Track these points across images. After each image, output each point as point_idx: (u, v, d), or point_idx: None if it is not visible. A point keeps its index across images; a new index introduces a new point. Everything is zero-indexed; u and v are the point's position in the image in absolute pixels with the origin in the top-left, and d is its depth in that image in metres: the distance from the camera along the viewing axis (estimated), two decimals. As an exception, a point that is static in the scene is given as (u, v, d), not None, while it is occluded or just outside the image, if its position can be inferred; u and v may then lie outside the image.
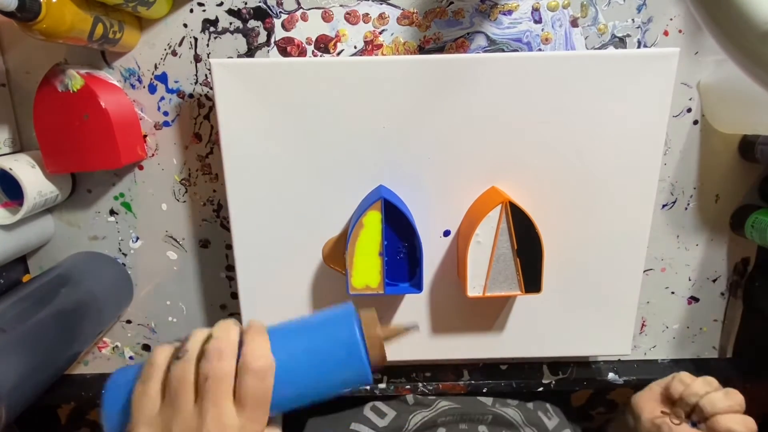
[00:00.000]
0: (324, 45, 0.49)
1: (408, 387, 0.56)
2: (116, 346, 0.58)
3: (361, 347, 0.30)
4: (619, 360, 0.60)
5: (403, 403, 0.55)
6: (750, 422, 0.41)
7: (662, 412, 0.45)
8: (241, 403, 0.28)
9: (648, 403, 0.47)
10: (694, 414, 0.43)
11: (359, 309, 0.33)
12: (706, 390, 0.43)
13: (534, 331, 0.53)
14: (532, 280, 0.45)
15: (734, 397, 0.42)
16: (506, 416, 0.54)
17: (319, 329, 0.31)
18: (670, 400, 0.45)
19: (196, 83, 0.50)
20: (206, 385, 0.27)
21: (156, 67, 0.50)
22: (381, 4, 0.48)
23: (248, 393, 0.28)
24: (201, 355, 0.28)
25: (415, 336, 0.53)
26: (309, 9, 0.48)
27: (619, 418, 0.54)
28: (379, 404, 0.55)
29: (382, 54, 0.50)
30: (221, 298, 0.57)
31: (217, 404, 0.27)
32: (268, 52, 0.50)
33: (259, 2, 0.48)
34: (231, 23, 0.49)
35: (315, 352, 0.30)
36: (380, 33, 0.49)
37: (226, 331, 0.29)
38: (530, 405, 0.56)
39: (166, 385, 0.28)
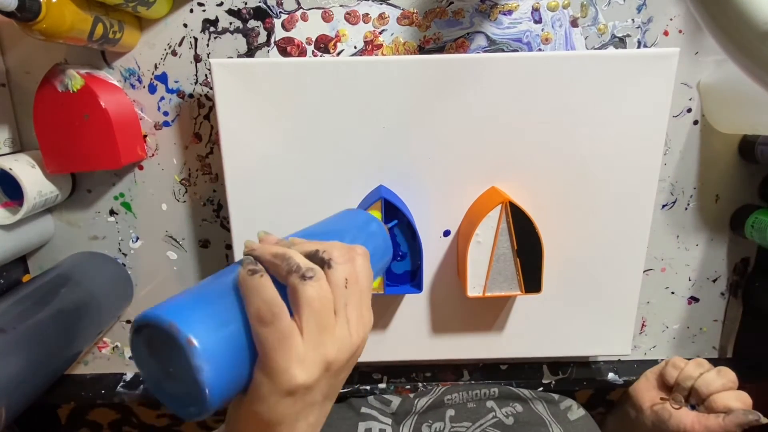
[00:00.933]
0: (324, 45, 0.49)
1: (408, 387, 0.57)
2: (116, 346, 0.58)
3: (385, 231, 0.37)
4: (619, 360, 0.60)
5: (404, 394, 0.56)
6: (744, 396, 0.42)
7: (661, 398, 0.46)
8: (363, 294, 0.28)
9: (646, 392, 0.48)
10: (692, 397, 0.44)
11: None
12: (699, 372, 0.44)
13: (534, 331, 0.53)
14: (532, 280, 0.45)
15: (727, 375, 0.43)
16: (512, 389, 0.54)
17: (357, 226, 0.35)
18: (667, 386, 0.47)
19: (196, 83, 0.50)
20: (347, 291, 0.26)
21: (156, 67, 0.50)
22: (381, 4, 0.48)
23: (365, 276, 0.28)
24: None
25: (415, 336, 0.53)
26: (309, 9, 0.48)
27: (617, 411, 0.54)
28: (381, 395, 0.56)
29: (382, 54, 0.50)
30: (221, 298, 0.57)
31: (357, 305, 0.27)
32: (268, 52, 0.50)
33: (259, 2, 0.48)
34: (231, 23, 0.49)
35: (363, 244, 0.32)
36: (380, 33, 0.49)
37: (316, 243, 0.28)
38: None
39: (298, 312, 0.25)
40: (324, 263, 0.27)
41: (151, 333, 0.23)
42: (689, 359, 0.46)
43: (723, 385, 0.43)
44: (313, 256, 0.27)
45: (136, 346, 0.24)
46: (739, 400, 0.42)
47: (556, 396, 0.54)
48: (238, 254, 0.49)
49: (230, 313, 0.24)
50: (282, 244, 0.29)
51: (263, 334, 0.24)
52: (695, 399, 0.44)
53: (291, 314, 0.25)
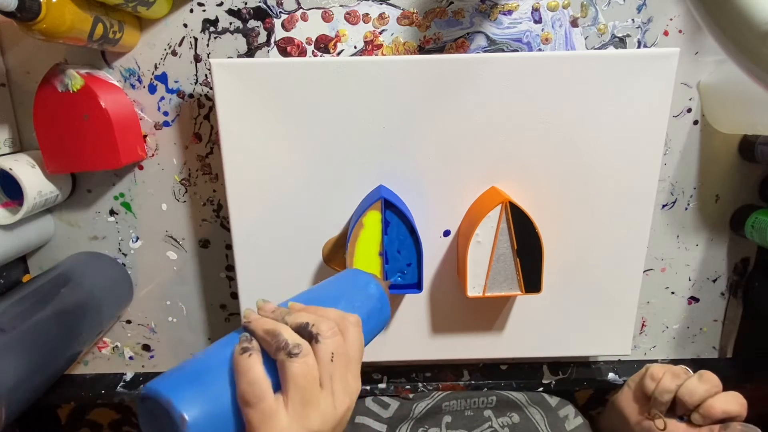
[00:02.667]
0: (324, 45, 0.49)
1: (408, 387, 0.56)
2: (116, 346, 0.58)
3: (385, 295, 0.37)
4: (619, 360, 0.60)
5: (403, 398, 0.56)
6: (740, 398, 0.40)
7: (646, 417, 0.43)
8: (350, 365, 0.29)
9: (629, 404, 0.45)
10: (678, 408, 0.41)
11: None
12: (675, 383, 0.41)
13: (534, 331, 0.53)
14: (532, 280, 0.45)
15: (709, 379, 0.40)
16: (510, 397, 0.54)
17: (354, 290, 0.36)
18: (647, 397, 0.43)
19: (196, 83, 0.50)
20: (332, 365, 0.28)
21: (156, 67, 0.50)
22: (381, 4, 0.48)
23: (355, 347, 0.30)
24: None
25: (415, 336, 0.53)
26: (309, 9, 0.48)
27: (606, 419, 0.52)
28: (381, 397, 0.55)
29: (382, 54, 0.50)
30: (221, 298, 0.57)
31: (343, 376, 0.28)
32: (268, 52, 0.50)
33: (259, 2, 0.48)
34: (231, 23, 0.49)
35: (359, 308, 0.34)
36: (380, 33, 0.49)
37: (309, 312, 0.30)
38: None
39: (285, 387, 0.27)
40: (312, 338, 0.28)
41: (154, 404, 0.25)
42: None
43: (707, 391, 0.40)
44: (303, 330, 0.28)
45: (142, 413, 0.26)
46: (735, 403, 0.39)
47: (554, 403, 0.54)
48: (239, 254, 0.49)
49: (223, 390, 0.26)
50: (278, 313, 0.30)
51: (247, 414, 0.26)
52: (682, 410, 0.41)
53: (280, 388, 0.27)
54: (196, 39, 0.49)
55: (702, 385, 0.40)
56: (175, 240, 0.55)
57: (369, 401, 0.55)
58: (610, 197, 0.49)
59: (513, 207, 0.43)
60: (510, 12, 0.49)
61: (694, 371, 0.42)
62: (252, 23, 0.49)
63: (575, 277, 0.51)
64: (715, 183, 0.54)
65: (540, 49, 0.50)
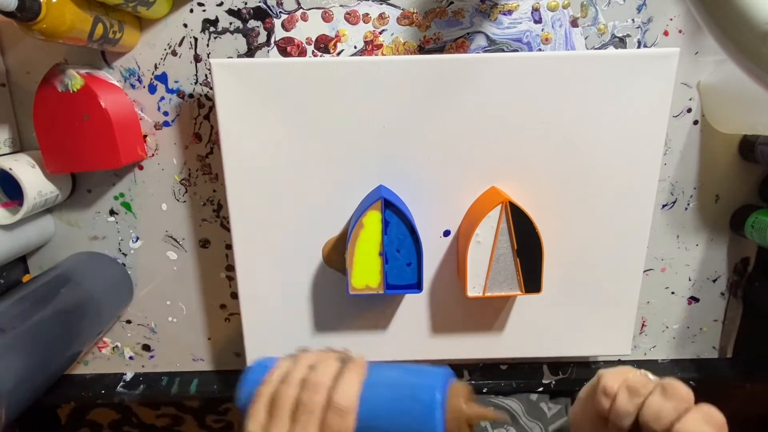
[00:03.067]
0: (324, 45, 0.49)
1: (408, 387, 0.57)
2: (116, 346, 0.58)
3: (438, 412, 0.30)
4: (619, 360, 0.60)
5: None
6: (714, 414, 0.30)
7: None
8: None
9: (585, 422, 0.37)
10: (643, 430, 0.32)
11: (453, 379, 0.33)
12: (635, 402, 0.32)
13: (534, 331, 0.53)
14: (532, 280, 0.45)
15: (676, 392, 0.30)
16: (505, 407, 0.54)
17: (407, 384, 0.32)
18: (603, 418, 0.34)
19: (196, 83, 0.50)
20: (298, 412, 0.30)
21: (156, 67, 0.50)
22: (381, 4, 0.48)
23: (331, 427, 0.30)
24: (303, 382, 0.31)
25: (415, 336, 0.53)
26: (309, 9, 0.48)
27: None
28: None
29: (382, 54, 0.50)
30: (221, 298, 0.57)
31: (304, 430, 0.30)
32: (268, 52, 0.50)
33: (259, 2, 0.48)
34: (231, 23, 0.49)
35: (396, 403, 0.31)
36: (380, 33, 0.49)
37: (326, 365, 0.32)
38: (533, 396, 0.57)
39: (272, 403, 0.31)
40: (304, 381, 0.31)
41: None
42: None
43: (675, 409, 0.30)
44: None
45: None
46: (708, 423, 0.29)
47: (550, 413, 0.54)
48: (239, 255, 0.49)
49: None
50: (354, 367, 0.32)
51: (252, 402, 0.32)
52: None
53: None
54: (196, 39, 0.49)
55: (667, 403, 0.30)
56: (175, 240, 0.55)
57: None
58: (610, 197, 0.49)
59: (513, 207, 0.43)
60: (510, 12, 0.49)
61: (695, 371, 0.38)
62: (252, 23, 0.49)
63: (575, 277, 0.51)
64: (715, 183, 0.54)
65: (540, 49, 0.50)
